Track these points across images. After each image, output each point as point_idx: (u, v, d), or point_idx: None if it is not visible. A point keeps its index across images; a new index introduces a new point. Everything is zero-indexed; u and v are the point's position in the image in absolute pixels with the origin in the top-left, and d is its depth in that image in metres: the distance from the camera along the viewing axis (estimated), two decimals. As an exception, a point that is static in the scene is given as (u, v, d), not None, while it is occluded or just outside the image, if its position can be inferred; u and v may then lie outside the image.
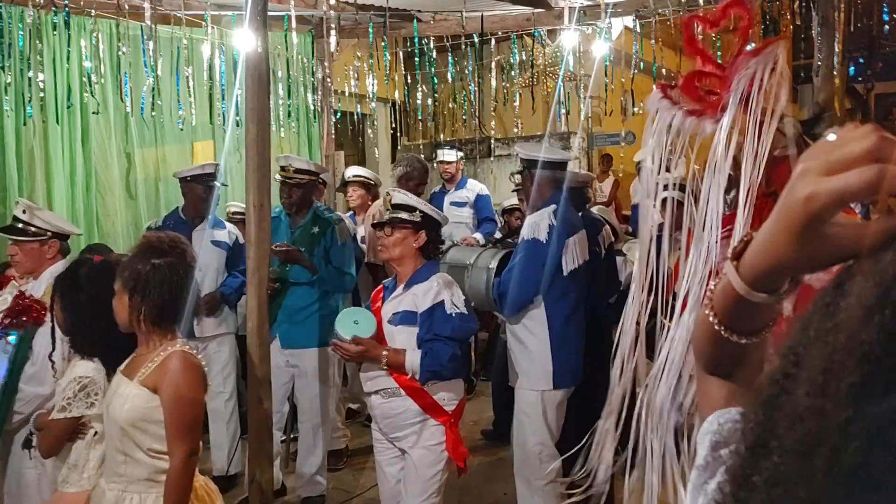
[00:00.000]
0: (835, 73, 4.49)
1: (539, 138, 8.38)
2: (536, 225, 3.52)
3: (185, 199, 4.84)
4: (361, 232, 5.61)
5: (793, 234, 0.64)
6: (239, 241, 4.76)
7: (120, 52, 5.51)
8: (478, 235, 6.20)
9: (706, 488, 0.76)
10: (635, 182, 10.87)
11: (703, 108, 2.66)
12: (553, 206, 3.57)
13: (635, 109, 7.35)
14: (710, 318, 0.81)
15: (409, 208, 3.26)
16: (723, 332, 0.81)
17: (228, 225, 4.95)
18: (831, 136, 0.63)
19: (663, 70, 6.95)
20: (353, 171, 6.17)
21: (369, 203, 5.87)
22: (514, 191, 5.49)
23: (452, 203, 6.52)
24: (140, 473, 2.30)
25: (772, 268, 0.70)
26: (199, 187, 4.73)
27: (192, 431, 2.31)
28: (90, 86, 5.37)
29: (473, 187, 6.63)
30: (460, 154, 6.86)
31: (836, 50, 4.38)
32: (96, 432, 2.55)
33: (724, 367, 0.88)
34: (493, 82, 8.23)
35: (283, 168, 4.50)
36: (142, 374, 2.31)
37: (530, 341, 3.60)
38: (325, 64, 7.09)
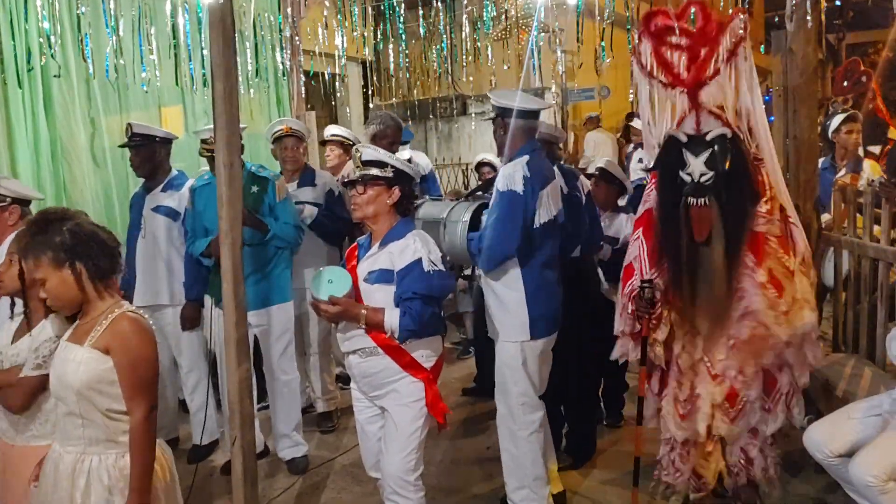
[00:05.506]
0: (808, 18, 4.44)
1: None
2: (511, 176, 3.45)
3: None
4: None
5: None
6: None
7: (79, 12, 5.32)
8: None
9: None
10: (589, 136, 11.06)
11: (674, 82, 3.45)
12: (526, 157, 3.51)
13: (607, 62, 7.24)
14: None
15: (381, 164, 3.18)
16: None
17: (186, 188, 4.66)
18: None
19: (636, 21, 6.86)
20: (330, 131, 6.08)
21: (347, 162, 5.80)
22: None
23: None
24: (98, 435, 2.35)
25: None
26: (131, 152, 4.67)
27: (148, 389, 2.36)
28: (50, 48, 5.19)
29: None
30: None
31: (809, -6, 4.32)
32: None
33: None
34: (465, 33, 8.05)
35: (205, 141, 4.35)
36: (91, 337, 2.34)
37: (505, 295, 3.57)
38: (290, 14, 6.89)
